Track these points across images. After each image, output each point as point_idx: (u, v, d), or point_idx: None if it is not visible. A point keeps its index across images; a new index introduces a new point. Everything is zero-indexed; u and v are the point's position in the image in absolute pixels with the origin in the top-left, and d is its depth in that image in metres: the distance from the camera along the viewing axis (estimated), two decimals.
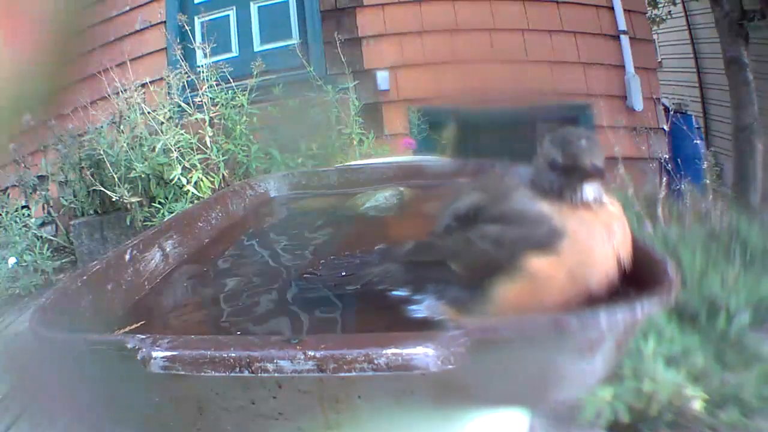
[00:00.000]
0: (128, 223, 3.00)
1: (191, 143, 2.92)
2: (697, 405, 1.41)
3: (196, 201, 2.78)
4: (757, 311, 1.86)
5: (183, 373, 0.53)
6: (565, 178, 0.68)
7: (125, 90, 3.02)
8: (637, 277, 0.66)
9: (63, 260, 3.22)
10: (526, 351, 0.55)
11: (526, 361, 0.57)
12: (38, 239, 3.14)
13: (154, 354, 0.54)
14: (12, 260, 2.99)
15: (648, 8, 5.31)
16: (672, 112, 3.58)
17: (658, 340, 1.46)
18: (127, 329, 0.76)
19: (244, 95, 3.11)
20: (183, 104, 3.06)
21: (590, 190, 0.68)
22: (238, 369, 0.52)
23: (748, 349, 1.71)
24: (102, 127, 3.09)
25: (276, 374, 0.52)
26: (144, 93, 3.08)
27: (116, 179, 2.93)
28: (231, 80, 3.16)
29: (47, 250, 3.10)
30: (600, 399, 1.32)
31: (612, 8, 3.81)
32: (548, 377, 0.59)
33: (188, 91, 3.16)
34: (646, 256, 0.68)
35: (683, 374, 1.49)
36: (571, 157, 0.68)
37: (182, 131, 2.93)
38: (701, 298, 1.86)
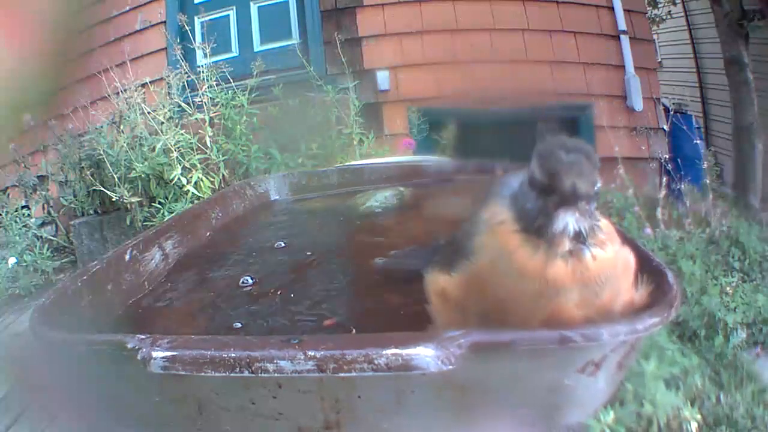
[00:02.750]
0: (128, 223, 3.00)
1: (191, 143, 2.91)
2: (694, 427, 1.42)
3: (196, 201, 2.78)
4: (753, 326, 1.89)
5: (183, 373, 0.53)
6: (542, 201, 0.56)
7: (125, 90, 3.02)
8: (639, 288, 0.65)
9: (63, 260, 3.21)
10: (528, 361, 0.55)
11: (529, 372, 0.57)
12: (38, 239, 3.14)
13: (154, 354, 0.54)
14: (12, 260, 2.99)
15: (648, 8, 5.30)
16: (672, 112, 3.58)
17: (659, 362, 1.47)
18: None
19: (244, 95, 3.10)
20: (183, 104, 3.05)
21: (569, 220, 0.55)
22: (238, 369, 0.52)
23: (743, 369, 1.74)
24: (102, 127, 3.09)
25: (276, 374, 0.52)
26: (144, 93, 3.08)
27: (116, 179, 2.93)
28: (231, 80, 3.16)
29: (47, 250, 3.10)
30: (603, 423, 1.33)
31: (612, 8, 3.81)
32: (553, 393, 0.58)
33: (188, 91, 3.15)
34: (648, 265, 0.68)
35: (682, 396, 1.50)
36: (549, 174, 0.55)
37: (182, 131, 2.93)
38: (701, 313, 1.88)
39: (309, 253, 1.06)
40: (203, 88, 3.06)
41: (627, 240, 0.71)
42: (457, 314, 0.64)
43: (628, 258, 0.61)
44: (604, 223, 0.60)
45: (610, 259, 0.59)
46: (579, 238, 0.56)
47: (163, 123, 2.94)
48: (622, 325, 0.54)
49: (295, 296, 0.87)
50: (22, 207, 3.20)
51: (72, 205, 3.20)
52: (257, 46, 3.91)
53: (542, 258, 0.56)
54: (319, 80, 3.32)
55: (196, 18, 3.73)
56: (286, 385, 0.54)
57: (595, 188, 0.56)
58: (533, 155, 0.59)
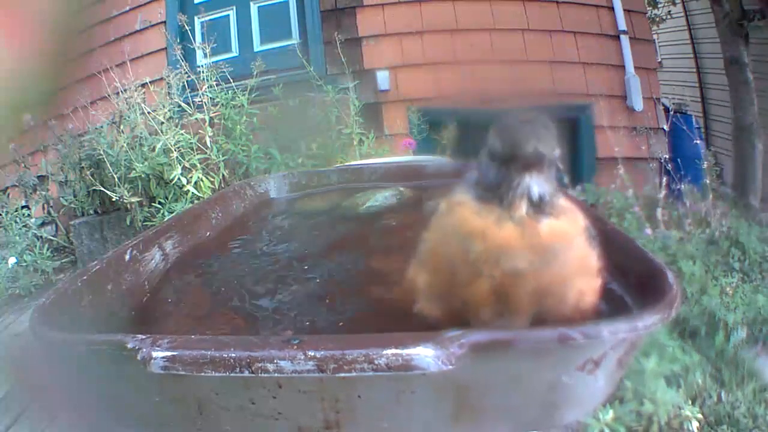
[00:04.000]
0: (128, 223, 3.00)
1: (191, 143, 2.91)
2: (695, 426, 1.42)
3: (196, 201, 2.78)
4: (753, 326, 1.89)
5: (183, 373, 0.53)
6: (505, 169, 0.57)
7: (125, 90, 3.02)
8: (640, 288, 0.65)
9: (63, 260, 3.21)
10: (528, 360, 0.55)
11: (529, 371, 0.57)
12: (38, 239, 3.14)
13: (154, 354, 0.54)
14: (12, 260, 2.99)
15: (648, 8, 5.30)
16: (672, 112, 3.58)
17: (659, 359, 1.47)
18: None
19: (244, 95, 3.11)
20: (183, 104, 3.05)
21: (533, 184, 0.56)
22: (238, 369, 0.52)
23: (744, 367, 1.73)
24: (102, 127, 3.09)
25: (276, 374, 0.52)
26: (144, 93, 3.08)
27: (116, 179, 2.93)
28: (231, 80, 3.16)
29: (47, 250, 3.10)
30: (602, 422, 1.32)
31: (612, 8, 3.81)
32: (552, 392, 0.58)
33: (188, 91, 3.16)
34: (649, 266, 0.67)
35: (682, 393, 1.50)
36: (509, 143, 0.57)
37: (182, 131, 2.93)
38: (701, 312, 1.88)
39: (308, 255, 1.06)
40: (203, 88, 3.06)
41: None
42: (427, 303, 0.63)
43: (588, 248, 0.59)
44: (565, 203, 0.59)
45: (566, 232, 0.58)
46: (538, 203, 0.56)
47: (163, 123, 2.94)
48: (623, 322, 0.54)
49: (293, 299, 0.87)
50: (22, 207, 3.20)
51: (72, 205, 3.20)
52: (257, 46, 3.91)
53: (493, 220, 0.56)
54: (319, 80, 3.32)
55: (196, 18, 3.73)
56: (286, 385, 0.54)
57: (555, 154, 0.56)
58: (491, 131, 0.60)
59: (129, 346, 0.55)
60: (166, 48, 3.70)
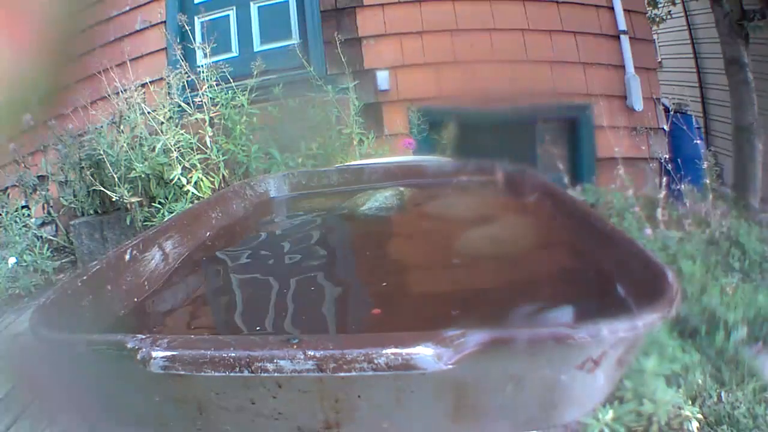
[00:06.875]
0: (128, 223, 3.00)
1: (191, 143, 2.91)
2: (695, 426, 1.41)
3: (196, 201, 2.78)
4: (753, 325, 1.89)
5: (183, 373, 0.53)
6: None
7: (125, 90, 3.02)
8: (640, 287, 0.65)
9: (63, 260, 3.21)
10: (527, 359, 0.55)
11: (528, 370, 0.57)
12: (38, 239, 3.14)
13: (154, 354, 0.54)
14: (12, 260, 2.99)
15: (648, 8, 5.31)
16: (672, 112, 3.58)
17: (659, 358, 1.46)
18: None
19: (244, 95, 3.10)
20: (183, 104, 3.05)
21: None
22: (238, 369, 0.52)
23: (744, 365, 1.73)
24: (102, 127, 3.09)
25: (276, 374, 0.52)
26: (144, 93, 3.08)
27: (116, 179, 2.93)
28: (231, 80, 3.16)
29: (47, 250, 3.10)
30: (601, 422, 1.32)
31: (612, 8, 3.81)
32: (551, 391, 0.58)
33: (188, 91, 3.15)
34: (648, 265, 0.67)
35: (682, 393, 1.50)
36: None
37: (182, 131, 2.93)
38: (701, 311, 1.88)
39: (308, 256, 1.06)
40: (203, 88, 3.06)
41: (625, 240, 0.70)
42: None
43: None
44: None
45: None
46: None
47: (163, 123, 2.94)
48: (622, 321, 0.54)
49: (295, 298, 0.87)
50: (22, 207, 3.20)
51: (72, 205, 3.20)
52: (257, 46, 3.91)
53: None
54: (319, 80, 3.32)
55: (196, 18, 3.73)
56: (286, 384, 0.54)
57: None
58: None
59: (129, 346, 0.55)
60: (166, 48, 3.70)
